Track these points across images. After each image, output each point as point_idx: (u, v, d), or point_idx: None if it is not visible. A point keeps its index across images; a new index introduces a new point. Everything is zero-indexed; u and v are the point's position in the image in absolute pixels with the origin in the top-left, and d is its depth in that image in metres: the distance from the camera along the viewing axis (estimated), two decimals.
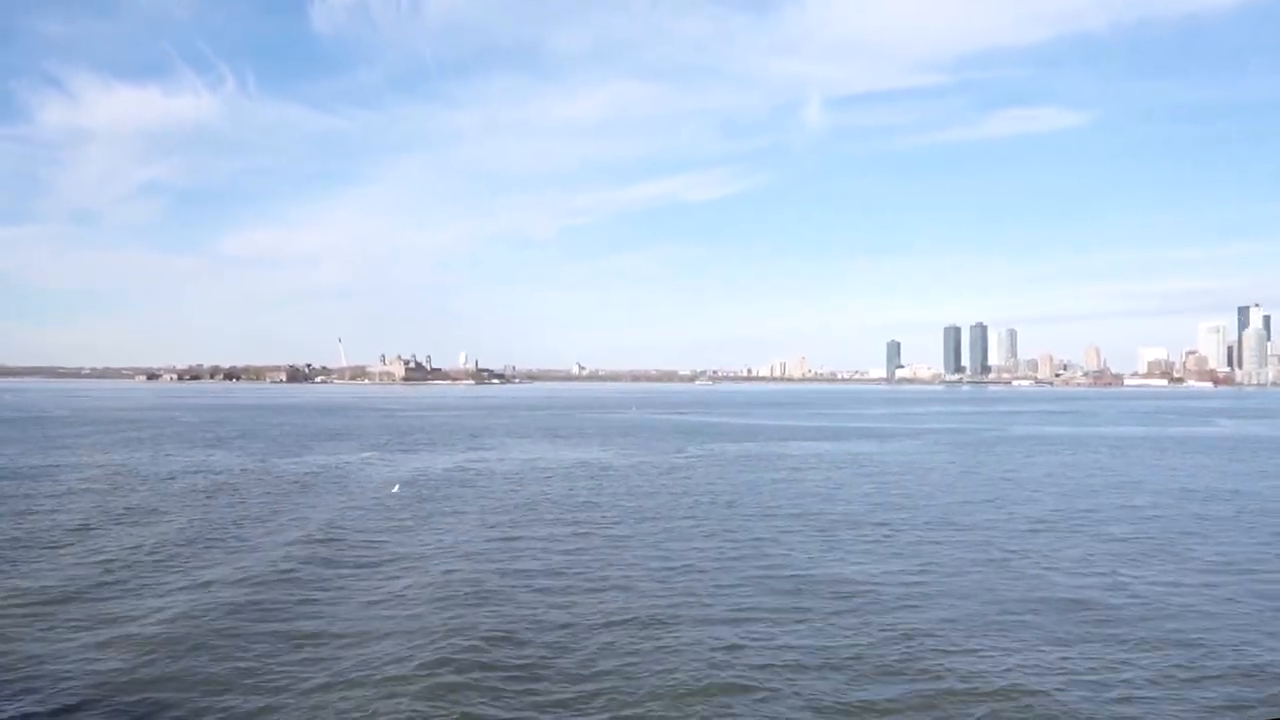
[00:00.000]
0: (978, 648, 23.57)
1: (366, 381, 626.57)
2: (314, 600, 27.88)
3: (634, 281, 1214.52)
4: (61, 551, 35.43)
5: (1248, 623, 26.05)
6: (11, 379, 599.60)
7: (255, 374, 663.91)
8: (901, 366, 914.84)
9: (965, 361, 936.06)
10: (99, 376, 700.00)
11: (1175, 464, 75.90)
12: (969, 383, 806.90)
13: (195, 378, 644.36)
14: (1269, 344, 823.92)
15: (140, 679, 20.79)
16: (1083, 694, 20.38)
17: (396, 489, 52.34)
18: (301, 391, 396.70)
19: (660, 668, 21.76)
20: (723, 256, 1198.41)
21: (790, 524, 42.92)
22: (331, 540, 37.63)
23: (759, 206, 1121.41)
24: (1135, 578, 31.83)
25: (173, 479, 60.29)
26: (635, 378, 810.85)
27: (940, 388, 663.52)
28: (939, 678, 21.19)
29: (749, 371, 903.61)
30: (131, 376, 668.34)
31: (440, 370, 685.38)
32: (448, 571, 31.91)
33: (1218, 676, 21.54)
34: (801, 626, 25.38)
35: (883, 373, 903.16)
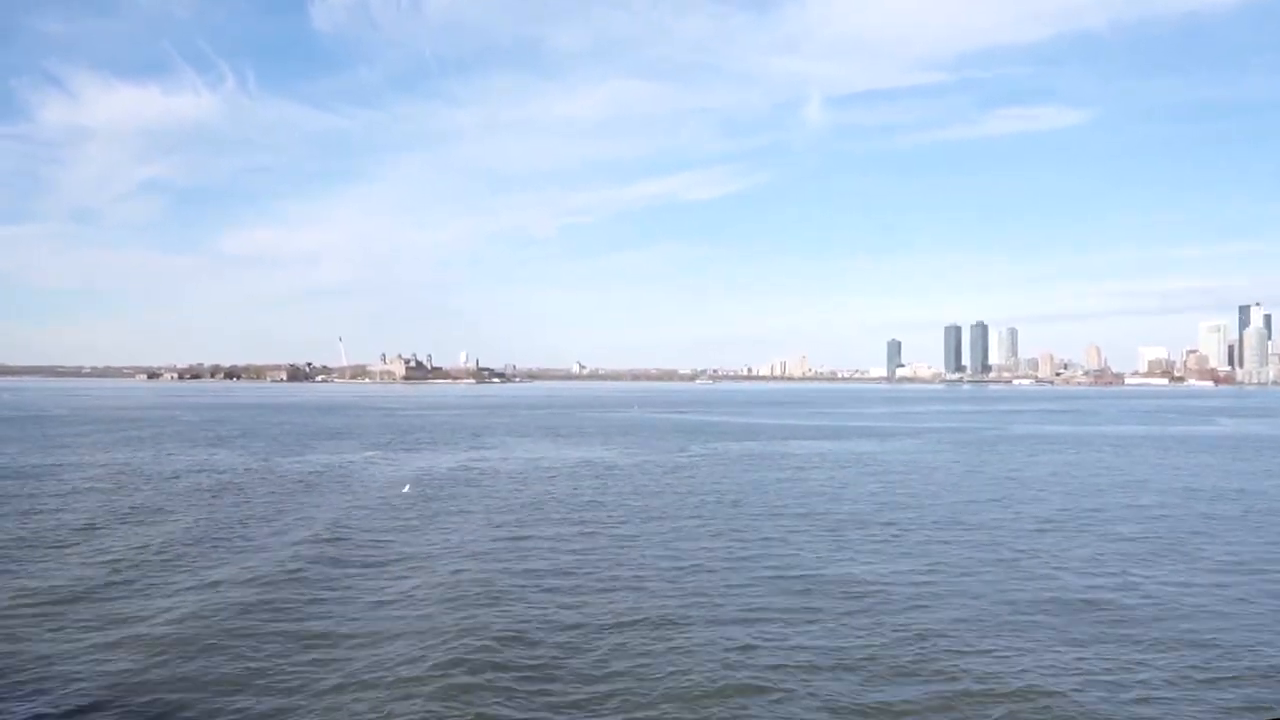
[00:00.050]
0: (991, 648, 23.46)
1: (367, 381, 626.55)
2: (323, 600, 27.77)
3: (634, 280, 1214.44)
4: (68, 551, 35.32)
5: (1262, 623, 25.94)
6: (11, 378, 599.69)
7: (256, 373, 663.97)
8: (902, 365, 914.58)
9: (966, 361, 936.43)
10: (99, 376, 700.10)
11: (1179, 463, 75.79)
12: (969, 382, 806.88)
13: (196, 377, 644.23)
14: (1270, 343, 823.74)
15: (152, 680, 20.68)
16: (1100, 694, 20.27)
17: (407, 489, 52.14)
18: (302, 391, 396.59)
19: (674, 668, 21.66)
20: (723, 255, 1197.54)
21: (797, 523, 42.81)
22: (339, 540, 37.53)
23: (759, 205, 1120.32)
24: (1146, 577, 31.72)
25: (176, 478, 60.18)
26: (635, 377, 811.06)
27: (941, 387, 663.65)
28: (954, 679, 21.08)
29: (749, 370, 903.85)
30: (132, 376, 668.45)
31: (441, 369, 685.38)
32: (456, 571, 31.81)
33: (1235, 678, 21.42)
34: (814, 627, 25.27)
35: (883, 372, 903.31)
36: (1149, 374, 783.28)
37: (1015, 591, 29.54)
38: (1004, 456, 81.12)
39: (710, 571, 32.25)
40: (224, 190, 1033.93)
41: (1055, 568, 33.18)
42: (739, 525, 42.16)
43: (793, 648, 23.31)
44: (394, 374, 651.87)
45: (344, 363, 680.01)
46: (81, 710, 19.08)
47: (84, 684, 20.42)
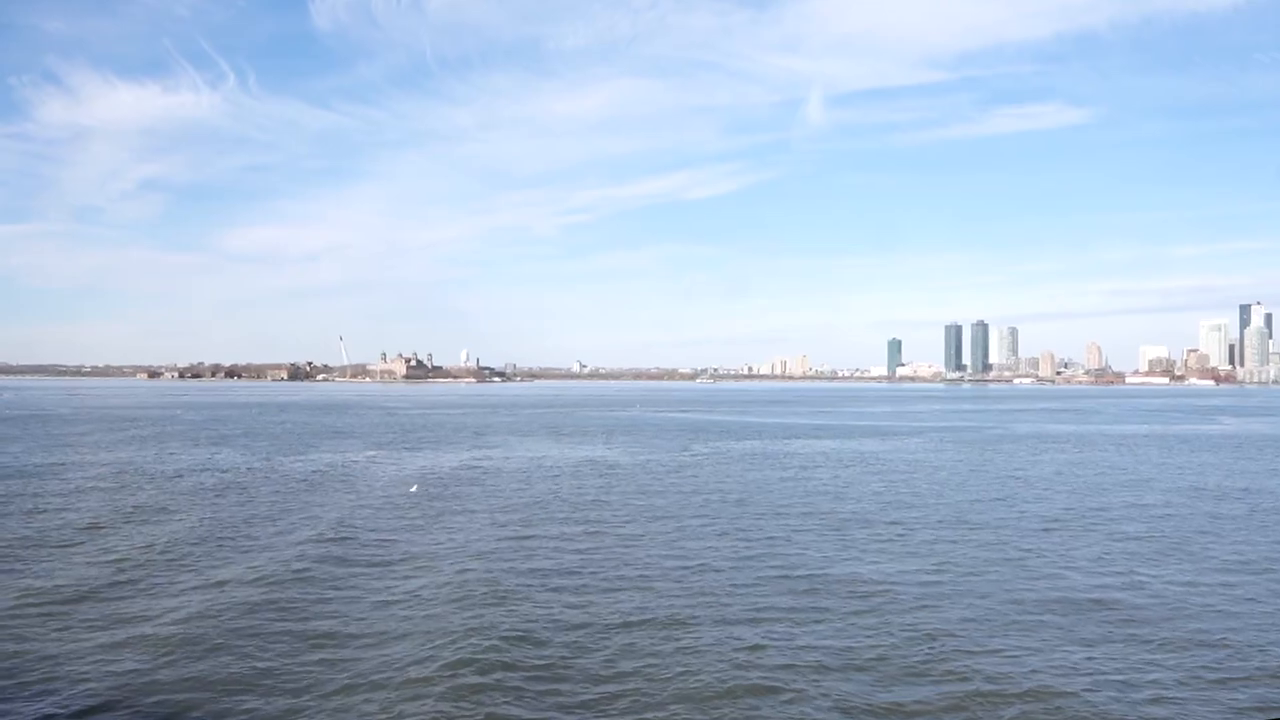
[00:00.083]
0: (1001, 648, 23.38)
1: (368, 380, 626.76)
2: (330, 600, 27.70)
3: (635, 279, 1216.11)
4: (73, 551, 35.26)
5: (1272, 623, 25.86)
6: (12, 377, 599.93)
7: (256, 372, 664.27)
8: (902, 365, 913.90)
9: (966, 360, 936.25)
10: (100, 375, 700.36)
11: (1183, 462, 75.70)
12: (970, 381, 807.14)
13: (196, 376, 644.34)
14: (1271, 342, 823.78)
15: (160, 680, 20.61)
16: (1111, 695, 20.20)
17: (414, 489, 51.99)
18: (303, 390, 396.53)
19: (683, 669, 21.58)
20: (724, 254, 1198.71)
21: (802, 522, 42.73)
22: (344, 539, 37.46)
23: (760, 204, 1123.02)
24: (1154, 577, 31.64)
25: (179, 477, 60.13)
26: (636, 376, 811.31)
27: (941, 386, 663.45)
28: (965, 679, 21.00)
29: (750, 369, 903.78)
30: (132, 375, 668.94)
31: (441, 368, 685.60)
32: (462, 570, 31.73)
33: (1246, 678, 21.35)
34: (822, 627, 25.19)
35: (884, 371, 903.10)
36: (1150, 373, 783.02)
37: (1023, 591, 29.47)
38: (1007, 456, 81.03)
39: (716, 571, 32.17)
40: (224, 189, 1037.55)
41: (1062, 567, 33.11)
42: (744, 525, 42.08)
43: (802, 648, 23.23)
44: (394, 373, 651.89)
45: (344, 362, 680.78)
46: (90, 711, 19.01)
47: (92, 684, 20.36)
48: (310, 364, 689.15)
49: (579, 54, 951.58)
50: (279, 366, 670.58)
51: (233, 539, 37.90)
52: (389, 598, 28.22)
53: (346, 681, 20.51)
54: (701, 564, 33.27)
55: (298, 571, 31.20)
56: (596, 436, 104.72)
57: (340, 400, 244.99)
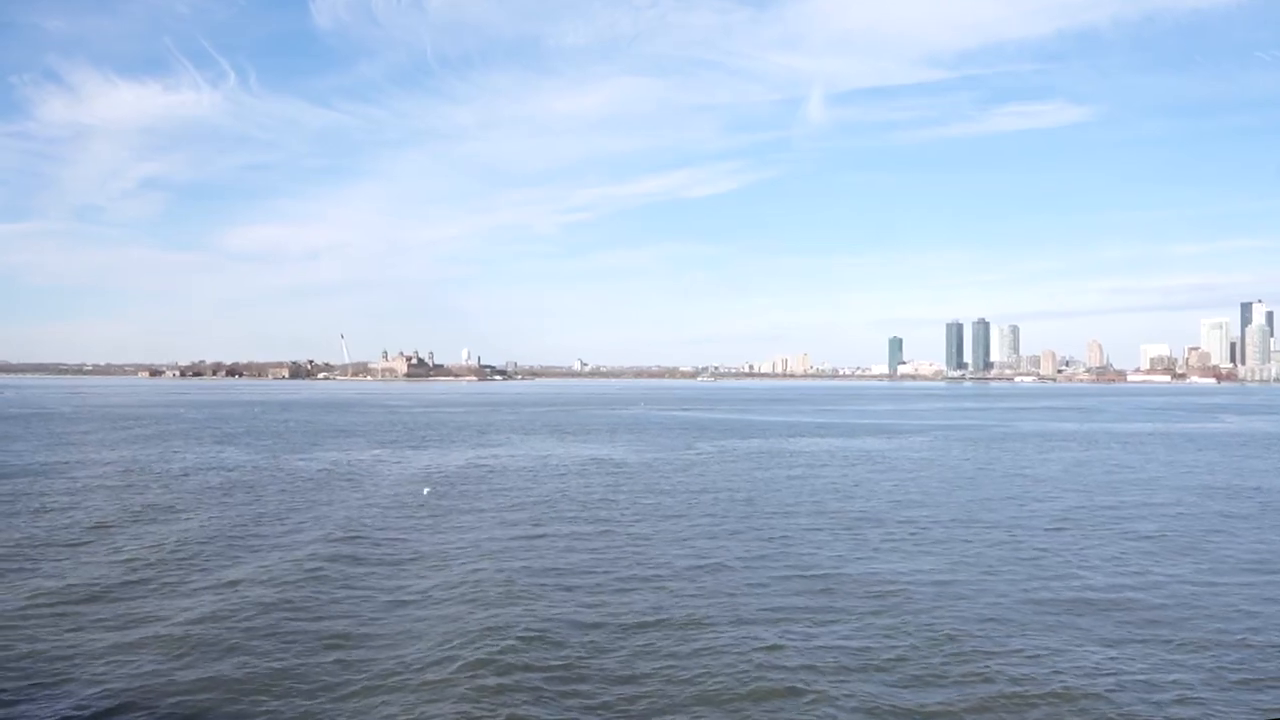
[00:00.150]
0: (1022, 648, 23.19)
1: (369, 378, 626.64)
2: (344, 600, 27.52)
3: (635, 277, 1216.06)
4: (82, 550, 35.08)
5: None
6: (13, 375, 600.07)
7: (258, 370, 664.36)
8: (904, 363, 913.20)
9: (967, 358, 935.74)
10: (101, 373, 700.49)
11: (1190, 460, 75.48)
12: (971, 379, 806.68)
13: (198, 374, 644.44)
14: (1272, 340, 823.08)
15: (178, 680, 20.43)
16: (1137, 695, 20.02)
17: (427, 490, 51.61)
18: (304, 388, 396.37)
19: (703, 669, 21.41)
20: (724, 252, 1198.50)
21: (814, 521, 42.55)
22: (355, 538, 37.29)
23: (761, 202, 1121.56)
24: (1170, 576, 31.45)
25: (186, 476, 59.97)
26: (637, 374, 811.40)
27: (943, 384, 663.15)
28: (989, 680, 20.81)
29: (751, 368, 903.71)
30: (134, 373, 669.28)
31: (442, 367, 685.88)
32: (475, 570, 31.56)
33: (1271, 679, 21.15)
34: (840, 626, 25.01)
35: (885, 369, 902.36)
36: (1151, 371, 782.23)
37: (1040, 590, 29.28)
38: (1014, 454, 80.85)
39: (730, 570, 32.00)
40: (225, 187, 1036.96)
41: (1078, 566, 32.91)
42: (755, 523, 41.91)
43: (821, 648, 23.05)
44: (396, 371, 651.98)
45: (346, 360, 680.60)
46: (109, 712, 18.83)
47: (109, 685, 20.18)
48: (311, 362, 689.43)
49: (579, 52, 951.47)
50: (280, 365, 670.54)
51: (242, 538, 37.74)
52: (403, 597, 28.05)
53: (366, 682, 20.34)
54: (715, 563, 33.09)
55: (310, 571, 31.02)
56: (601, 435, 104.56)
57: (342, 399, 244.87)
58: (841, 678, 20.91)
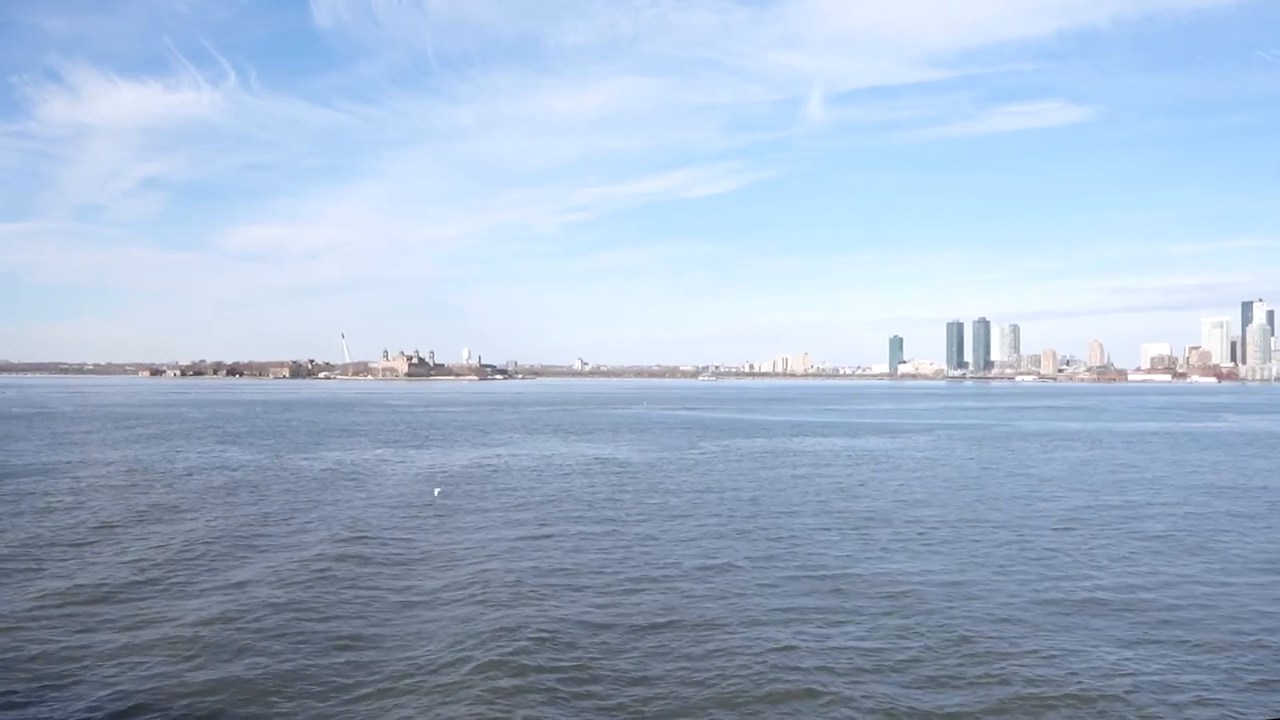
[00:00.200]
0: (1037, 649, 23.06)
1: (370, 377, 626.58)
2: (354, 601, 27.40)
3: (636, 277, 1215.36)
4: (89, 551, 34.96)
5: None
6: (14, 375, 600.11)
7: (258, 370, 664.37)
8: (904, 362, 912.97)
9: (968, 357, 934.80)
10: (102, 372, 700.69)
11: (1195, 459, 75.35)
12: (972, 378, 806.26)
13: (198, 373, 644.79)
14: (1273, 339, 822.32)
15: (189, 682, 20.31)
16: (1154, 696, 19.89)
17: (438, 492, 51.38)
18: (305, 387, 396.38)
19: (717, 671, 21.28)
20: (725, 252, 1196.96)
21: (821, 521, 42.43)
22: (362, 538, 37.16)
23: (761, 202, 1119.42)
24: (1182, 576, 31.32)
25: (190, 476, 59.86)
26: (638, 373, 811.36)
27: (943, 383, 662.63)
28: (1005, 682, 20.68)
29: (751, 367, 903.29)
30: (134, 372, 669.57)
31: (443, 366, 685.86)
32: (483, 570, 31.43)
33: None
34: (853, 627, 24.88)
35: (885, 368, 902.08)
36: (1151, 370, 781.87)
37: (1051, 590, 29.15)
38: (1018, 453, 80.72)
39: (739, 570, 31.87)
40: (226, 187, 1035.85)
41: (1089, 566, 32.78)
42: (762, 523, 41.78)
43: (835, 649, 22.93)
44: (396, 371, 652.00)
45: (346, 360, 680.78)
46: (121, 714, 18.70)
47: (120, 686, 20.06)
48: (312, 362, 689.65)
49: (579, 52, 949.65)
50: (281, 364, 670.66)
51: (249, 538, 37.61)
52: (412, 598, 27.93)
53: (379, 684, 20.22)
54: (724, 563, 32.97)
55: (319, 571, 30.90)
56: (604, 434, 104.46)
57: (343, 398, 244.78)
58: (857, 679, 20.79)
